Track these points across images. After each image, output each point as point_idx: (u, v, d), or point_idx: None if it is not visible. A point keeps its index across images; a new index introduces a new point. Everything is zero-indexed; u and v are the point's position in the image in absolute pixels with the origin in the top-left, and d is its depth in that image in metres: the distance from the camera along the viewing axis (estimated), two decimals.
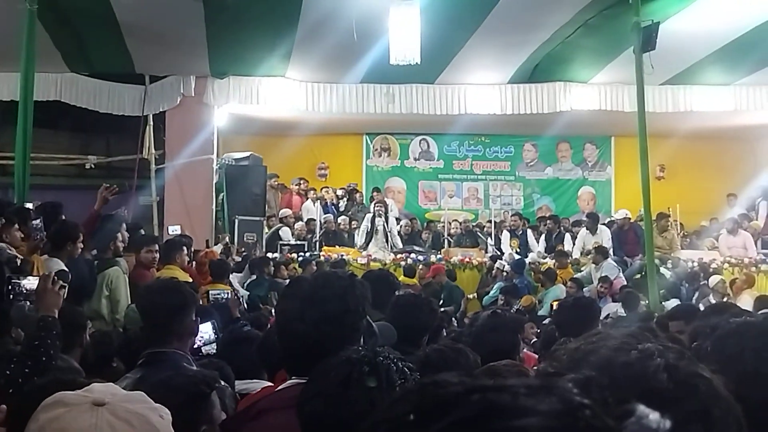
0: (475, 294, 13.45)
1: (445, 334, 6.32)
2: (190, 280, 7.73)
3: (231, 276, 9.82)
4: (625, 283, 12.41)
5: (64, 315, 4.97)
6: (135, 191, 14.00)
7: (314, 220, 15.15)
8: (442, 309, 9.37)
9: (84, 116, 15.00)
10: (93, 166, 15.68)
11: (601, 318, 9.34)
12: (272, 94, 14.52)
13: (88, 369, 4.22)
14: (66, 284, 6.37)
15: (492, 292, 12.69)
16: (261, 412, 2.43)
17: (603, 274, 12.47)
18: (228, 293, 7.46)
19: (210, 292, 7.52)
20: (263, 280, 11.28)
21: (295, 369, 2.44)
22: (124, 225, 8.30)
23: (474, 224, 16.32)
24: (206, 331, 4.29)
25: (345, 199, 16.90)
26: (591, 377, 0.97)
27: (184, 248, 8.54)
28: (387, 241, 14.50)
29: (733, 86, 14.81)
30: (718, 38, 12.29)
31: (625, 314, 10.43)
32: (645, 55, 10.47)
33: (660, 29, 10.25)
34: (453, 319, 10.43)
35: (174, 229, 10.89)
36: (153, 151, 14.39)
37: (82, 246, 6.94)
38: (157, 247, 8.07)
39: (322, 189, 16.68)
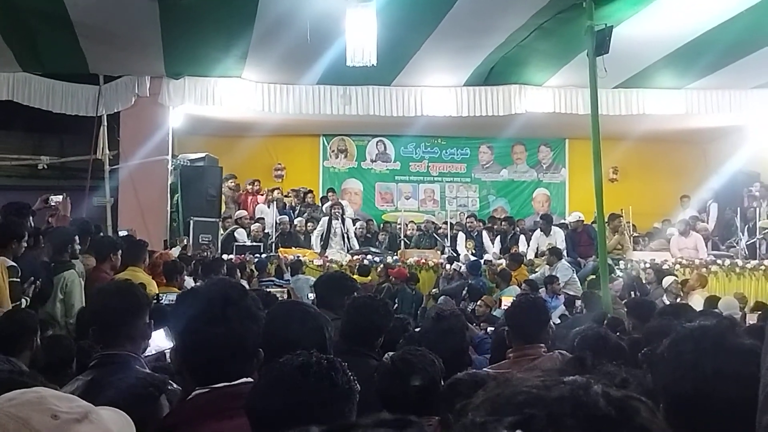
0: (436, 290, 13.46)
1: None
2: (154, 282, 7.71)
3: (187, 280, 9.73)
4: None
5: (14, 318, 4.92)
6: (89, 192, 13.84)
7: (264, 219, 15.18)
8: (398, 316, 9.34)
9: (37, 116, 14.77)
10: (46, 166, 15.45)
11: (554, 318, 9.51)
12: (228, 95, 14.45)
13: (43, 372, 4.16)
14: (17, 279, 6.34)
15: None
16: (168, 428, 2.42)
17: (557, 275, 12.60)
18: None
19: (162, 294, 7.28)
20: None
21: (204, 378, 2.40)
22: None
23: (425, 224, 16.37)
24: (160, 338, 4.19)
25: (299, 203, 16.88)
26: (532, 415, 0.99)
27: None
28: (345, 242, 14.54)
29: (685, 90, 15.03)
30: (670, 43, 12.46)
31: (569, 314, 10.60)
32: (598, 58, 10.60)
33: (613, 33, 10.38)
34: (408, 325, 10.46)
35: (123, 234, 10.73)
36: (107, 151, 14.21)
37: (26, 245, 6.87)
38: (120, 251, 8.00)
39: (275, 190, 16.63)
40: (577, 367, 1.46)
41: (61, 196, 8.27)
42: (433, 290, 13.48)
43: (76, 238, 7.63)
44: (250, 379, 2.39)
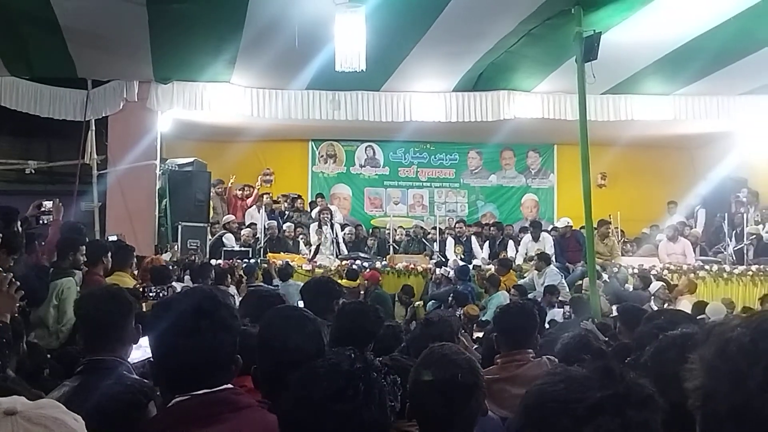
0: (420, 302, 13.42)
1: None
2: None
3: (175, 285, 9.69)
4: None
5: None
6: (76, 197, 13.78)
7: (255, 224, 15.14)
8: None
9: (25, 121, 14.70)
10: (33, 171, 15.37)
11: (545, 324, 9.50)
12: (217, 100, 14.41)
13: (25, 378, 4.13)
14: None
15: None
16: None
17: (546, 281, 12.60)
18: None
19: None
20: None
21: (179, 386, 2.40)
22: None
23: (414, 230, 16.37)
24: (148, 344, 4.14)
25: (288, 208, 16.86)
26: None
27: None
28: (334, 248, 14.51)
29: (673, 96, 15.07)
30: (658, 49, 12.51)
31: (564, 320, 10.58)
32: (587, 64, 10.66)
33: (602, 40, 10.42)
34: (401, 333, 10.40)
35: (112, 239, 10.72)
36: (95, 156, 14.14)
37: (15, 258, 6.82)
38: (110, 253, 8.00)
39: (264, 195, 16.59)
40: (603, 378, 1.46)
41: (52, 202, 8.29)
42: (418, 302, 13.41)
43: (83, 248, 7.62)
44: (230, 386, 2.42)
